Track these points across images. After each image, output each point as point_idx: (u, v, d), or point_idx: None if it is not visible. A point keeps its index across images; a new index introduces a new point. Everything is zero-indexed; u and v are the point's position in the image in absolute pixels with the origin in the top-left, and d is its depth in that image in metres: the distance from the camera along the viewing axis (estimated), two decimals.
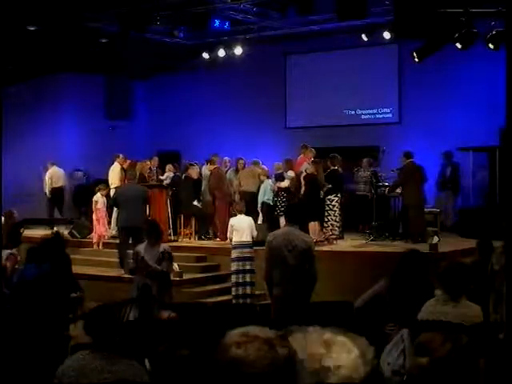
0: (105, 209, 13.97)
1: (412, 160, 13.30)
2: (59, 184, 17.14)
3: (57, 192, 17.09)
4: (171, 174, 15.14)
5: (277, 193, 13.56)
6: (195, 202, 14.33)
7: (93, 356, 3.32)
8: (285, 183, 13.57)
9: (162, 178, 15.12)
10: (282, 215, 13.17)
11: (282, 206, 13.31)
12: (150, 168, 15.20)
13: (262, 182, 14.12)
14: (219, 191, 14.01)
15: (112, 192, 14.53)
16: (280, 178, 13.79)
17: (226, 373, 1.89)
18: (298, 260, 7.36)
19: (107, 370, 3.25)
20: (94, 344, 3.39)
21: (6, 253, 8.50)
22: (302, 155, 14.55)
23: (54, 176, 17.05)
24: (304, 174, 13.27)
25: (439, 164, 15.71)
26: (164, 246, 8.96)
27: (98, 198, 13.91)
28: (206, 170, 14.63)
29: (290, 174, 13.71)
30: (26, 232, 14.84)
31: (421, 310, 4.62)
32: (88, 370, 3.27)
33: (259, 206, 13.63)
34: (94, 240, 13.94)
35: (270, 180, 14.12)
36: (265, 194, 13.71)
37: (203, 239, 14.16)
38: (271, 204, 13.66)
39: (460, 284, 4.59)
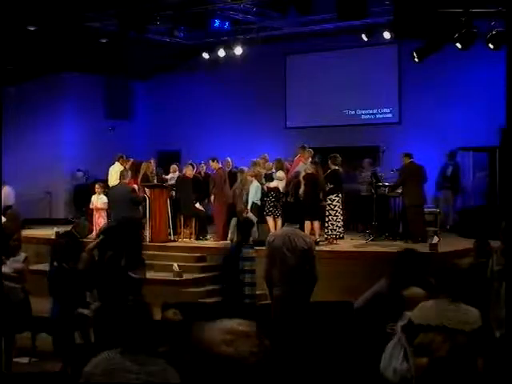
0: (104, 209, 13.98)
1: (412, 160, 13.31)
2: (10, 203, 17.22)
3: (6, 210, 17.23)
4: (176, 175, 15.13)
5: (266, 193, 13.55)
6: (197, 205, 14.33)
7: (122, 356, 3.26)
8: (274, 183, 13.52)
9: (167, 177, 15.10)
10: (269, 215, 13.19)
11: (270, 206, 13.33)
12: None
13: (250, 182, 14.08)
14: (219, 192, 13.99)
15: None
16: (269, 178, 13.75)
17: (216, 371, 1.89)
18: (298, 260, 7.36)
19: (140, 371, 3.20)
20: (121, 344, 3.33)
21: (23, 256, 8.42)
22: (298, 155, 14.54)
23: (8, 196, 17.10)
24: (303, 173, 13.25)
25: (440, 163, 15.69)
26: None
27: (97, 198, 13.92)
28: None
29: (279, 174, 13.62)
30: (27, 232, 14.89)
31: (416, 311, 4.58)
32: (118, 370, 3.21)
33: (249, 207, 13.56)
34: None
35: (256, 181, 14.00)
36: (255, 195, 13.65)
37: (201, 239, 14.15)
38: (259, 205, 13.58)
39: (459, 286, 4.58)
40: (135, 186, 13.79)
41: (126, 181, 13.12)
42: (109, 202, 13.17)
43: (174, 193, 14.60)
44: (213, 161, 14.43)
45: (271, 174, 13.77)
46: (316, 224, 12.69)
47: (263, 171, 14.00)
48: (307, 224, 12.53)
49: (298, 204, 12.90)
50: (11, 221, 12.23)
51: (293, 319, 7.15)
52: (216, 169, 14.35)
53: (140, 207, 13.65)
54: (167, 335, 4.84)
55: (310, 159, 13.90)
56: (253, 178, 13.87)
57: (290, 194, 13.78)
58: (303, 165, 13.84)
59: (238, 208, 13.21)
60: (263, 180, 13.79)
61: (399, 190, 13.67)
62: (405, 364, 4.43)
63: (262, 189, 13.60)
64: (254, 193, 13.63)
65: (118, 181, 14.29)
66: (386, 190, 13.87)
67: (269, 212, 13.20)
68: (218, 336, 1.94)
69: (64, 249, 7.48)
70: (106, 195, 14.00)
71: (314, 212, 12.61)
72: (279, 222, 13.17)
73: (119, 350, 3.28)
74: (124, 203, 12.43)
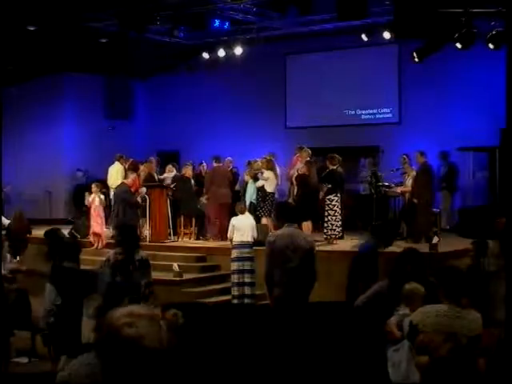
0: (101, 208, 14.00)
1: (426, 160, 13.35)
2: None
3: None
4: (171, 174, 15.13)
5: (257, 193, 13.68)
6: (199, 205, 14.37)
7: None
8: (259, 183, 13.60)
9: (161, 177, 15.12)
10: (262, 215, 13.25)
11: (258, 206, 13.48)
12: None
13: (246, 182, 14.15)
14: (208, 191, 14.00)
15: (112, 192, 14.70)
16: (256, 178, 13.87)
17: (122, 352, 2.02)
18: (300, 260, 7.36)
19: None
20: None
21: (9, 256, 8.35)
22: (296, 155, 14.57)
23: None
24: (296, 174, 13.30)
25: (437, 164, 15.68)
26: (142, 254, 7.88)
27: (95, 198, 13.95)
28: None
29: (266, 174, 13.67)
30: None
31: (419, 317, 4.53)
32: (99, 374, 3.17)
33: (247, 206, 13.63)
34: (91, 239, 13.95)
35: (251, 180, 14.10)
36: (252, 195, 13.71)
37: (201, 239, 14.16)
38: (256, 204, 13.68)
39: (462, 290, 4.55)
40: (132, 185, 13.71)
41: (127, 181, 13.15)
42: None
43: (171, 192, 14.58)
44: (215, 160, 14.45)
45: (257, 174, 13.89)
46: (308, 224, 12.73)
47: (253, 171, 14.12)
48: (305, 225, 12.53)
49: (294, 204, 12.94)
50: (15, 220, 12.26)
51: (292, 319, 7.15)
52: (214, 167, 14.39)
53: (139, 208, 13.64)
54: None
55: (308, 159, 13.94)
56: (249, 178, 13.95)
57: (288, 195, 13.86)
58: (300, 165, 13.90)
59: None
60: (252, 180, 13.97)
61: (398, 190, 13.67)
62: (417, 375, 4.42)
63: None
64: (251, 192, 13.70)
65: (118, 180, 14.39)
66: (387, 190, 13.85)
67: (257, 212, 13.29)
68: (120, 320, 2.05)
69: (49, 248, 7.47)
70: (104, 194, 14.11)
71: (306, 213, 12.62)
72: (269, 221, 13.28)
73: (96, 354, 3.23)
74: (120, 203, 12.52)
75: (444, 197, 15.42)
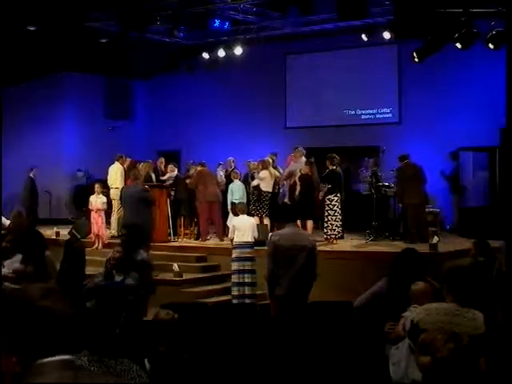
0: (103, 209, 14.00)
1: (408, 161, 13.37)
2: None
3: None
4: (174, 174, 15.13)
5: (252, 192, 13.76)
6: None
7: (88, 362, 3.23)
8: (255, 182, 13.73)
9: (163, 178, 15.12)
10: (252, 214, 13.32)
11: (253, 205, 13.57)
12: (155, 168, 15.25)
13: (231, 182, 14.23)
14: (197, 191, 14.02)
15: (111, 192, 14.68)
16: (253, 177, 13.99)
17: (37, 319, 2.35)
18: (305, 259, 7.37)
19: (107, 373, 3.17)
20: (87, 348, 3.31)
21: (20, 257, 8.20)
22: (291, 155, 14.68)
23: None
24: (299, 174, 13.35)
25: (440, 163, 15.67)
26: (143, 255, 7.85)
27: (96, 198, 13.94)
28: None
29: (262, 174, 13.76)
30: None
31: (422, 314, 4.51)
32: (85, 376, 3.18)
33: (229, 205, 13.66)
34: (93, 240, 13.95)
35: (237, 180, 14.17)
36: (233, 194, 13.75)
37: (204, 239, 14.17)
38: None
39: (465, 288, 4.53)
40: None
41: (139, 181, 13.13)
42: (122, 203, 13.21)
43: (172, 192, 14.59)
44: (199, 165, 14.54)
45: (254, 174, 13.99)
46: (309, 223, 12.75)
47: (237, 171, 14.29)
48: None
49: (294, 204, 12.98)
50: (15, 219, 12.21)
51: (294, 318, 7.15)
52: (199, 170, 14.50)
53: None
54: (164, 335, 4.84)
55: (304, 159, 13.97)
56: (235, 178, 14.06)
57: (288, 195, 13.89)
58: (294, 164, 13.96)
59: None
60: (248, 179, 14.13)
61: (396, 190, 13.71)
62: (417, 373, 4.40)
63: (248, 188, 13.84)
64: (230, 192, 13.78)
65: (121, 181, 14.35)
66: (388, 190, 13.88)
67: (251, 210, 13.30)
68: (37, 292, 2.44)
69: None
70: (106, 196, 14.08)
71: (307, 212, 12.65)
72: (266, 220, 13.30)
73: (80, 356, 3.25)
74: (135, 204, 12.37)
75: (453, 197, 15.46)
